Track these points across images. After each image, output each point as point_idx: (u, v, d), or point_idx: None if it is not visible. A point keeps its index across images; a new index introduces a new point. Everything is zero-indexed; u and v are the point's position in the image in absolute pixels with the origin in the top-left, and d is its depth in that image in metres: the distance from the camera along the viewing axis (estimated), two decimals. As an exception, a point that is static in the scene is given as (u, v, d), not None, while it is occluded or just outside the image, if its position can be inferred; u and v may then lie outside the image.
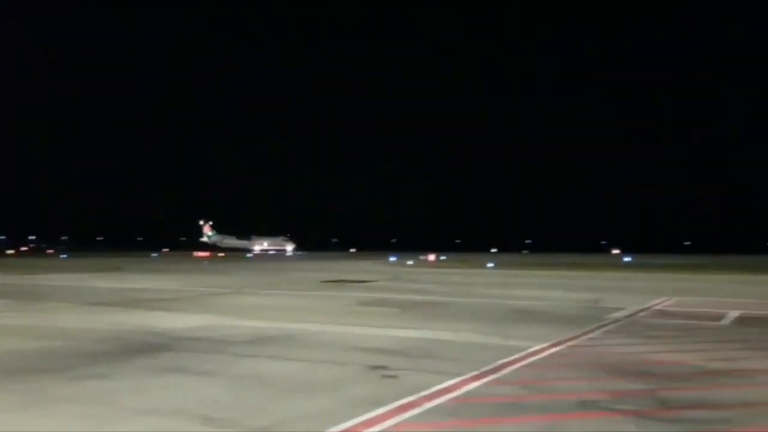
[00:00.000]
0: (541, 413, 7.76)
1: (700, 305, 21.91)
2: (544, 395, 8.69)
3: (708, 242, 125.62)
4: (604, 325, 16.34)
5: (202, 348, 12.63)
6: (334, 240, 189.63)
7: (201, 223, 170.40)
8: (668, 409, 8.02)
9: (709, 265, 61.50)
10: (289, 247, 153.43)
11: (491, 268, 54.85)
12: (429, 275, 44.52)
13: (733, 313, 19.11)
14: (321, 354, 11.97)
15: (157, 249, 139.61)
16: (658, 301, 23.28)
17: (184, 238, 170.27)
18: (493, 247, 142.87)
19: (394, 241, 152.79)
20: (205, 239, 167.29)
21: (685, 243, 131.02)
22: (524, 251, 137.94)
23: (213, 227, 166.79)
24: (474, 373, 10.06)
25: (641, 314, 19.11)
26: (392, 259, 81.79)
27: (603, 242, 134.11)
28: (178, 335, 14.32)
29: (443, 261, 77.17)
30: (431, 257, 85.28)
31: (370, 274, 44.00)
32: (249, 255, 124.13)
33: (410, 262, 67.93)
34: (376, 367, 10.52)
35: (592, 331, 15.30)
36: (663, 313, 19.34)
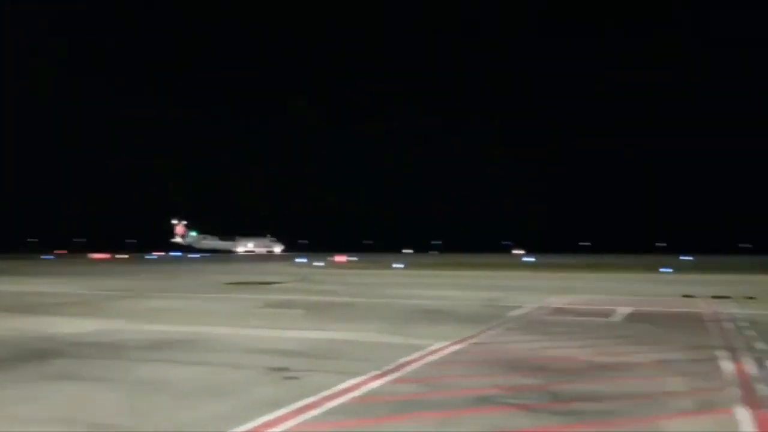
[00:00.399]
0: (438, 409, 7.95)
1: (593, 303, 23.02)
2: (442, 392, 8.91)
3: (606, 242, 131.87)
4: (504, 323, 16.90)
5: (99, 353, 12.15)
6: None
7: (174, 222, 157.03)
8: (559, 402, 8.41)
9: (605, 264, 64.60)
10: (277, 248, 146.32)
11: (400, 268, 55.46)
12: (337, 276, 44.56)
13: (625, 310, 20.19)
14: (222, 357, 11.77)
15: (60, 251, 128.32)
16: (555, 299, 24.28)
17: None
18: (407, 248, 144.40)
19: (305, 242, 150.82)
20: (178, 240, 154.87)
21: (582, 243, 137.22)
22: (432, 252, 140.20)
23: (188, 227, 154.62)
24: (375, 372, 10.18)
25: (539, 312, 19.88)
26: (300, 260, 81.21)
27: (505, 243, 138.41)
28: (73, 340, 13.71)
29: (353, 262, 77.41)
30: (341, 258, 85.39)
31: (277, 276, 43.57)
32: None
33: (319, 264, 67.73)
34: (277, 369, 10.46)
35: (492, 328, 15.79)
36: (559, 311, 20.21)
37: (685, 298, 25.01)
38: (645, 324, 16.84)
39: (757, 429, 7.18)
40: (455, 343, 13.30)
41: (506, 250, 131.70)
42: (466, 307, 21.00)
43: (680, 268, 54.90)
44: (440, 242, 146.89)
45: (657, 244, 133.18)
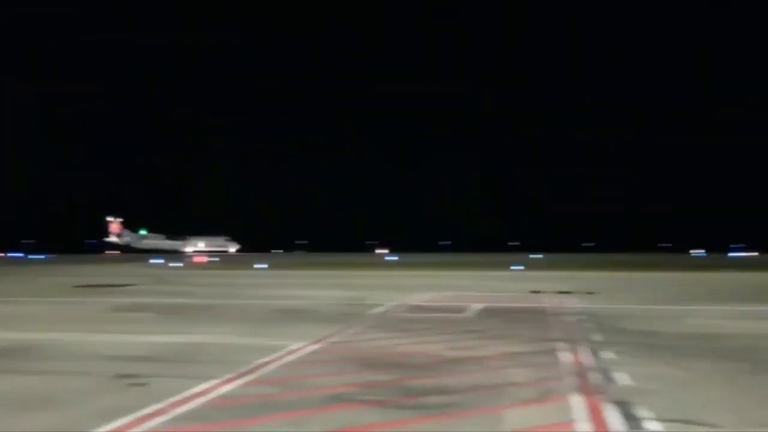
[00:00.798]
0: (290, 410, 7.89)
1: (449, 299, 23.87)
2: (296, 392, 8.85)
3: (464, 242, 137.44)
4: (363, 322, 17.10)
5: None
6: None
7: (109, 219, 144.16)
8: (410, 396, 8.62)
9: (463, 262, 67.31)
10: (232, 248, 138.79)
11: (263, 268, 54.65)
12: (196, 277, 43.18)
13: (477, 306, 21.10)
14: (65, 365, 11.02)
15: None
16: (414, 296, 24.93)
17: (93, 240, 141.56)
18: (277, 249, 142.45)
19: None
20: (113, 239, 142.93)
21: (442, 243, 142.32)
22: (298, 251, 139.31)
23: (124, 225, 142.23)
24: (229, 375, 9.93)
25: (398, 309, 20.32)
26: (156, 261, 77.75)
27: (370, 242, 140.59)
28: None
29: (213, 263, 75.30)
30: (200, 259, 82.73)
31: (130, 278, 41.48)
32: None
33: (177, 264, 65.24)
34: (124, 376, 9.93)
35: (352, 327, 15.93)
36: (417, 308, 20.77)
37: (533, 294, 26.57)
38: (495, 319, 17.68)
39: (587, 413, 7.72)
40: (313, 343, 13.27)
41: (371, 249, 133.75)
42: (327, 307, 21.05)
43: (530, 265, 58.32)
44: (306, 242, 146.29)
45: (510, 243, 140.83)
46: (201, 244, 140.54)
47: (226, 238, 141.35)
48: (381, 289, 29.31)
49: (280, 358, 11.55)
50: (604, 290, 28.64)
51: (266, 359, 11.33)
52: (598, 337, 14.20)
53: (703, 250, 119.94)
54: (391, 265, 64.49)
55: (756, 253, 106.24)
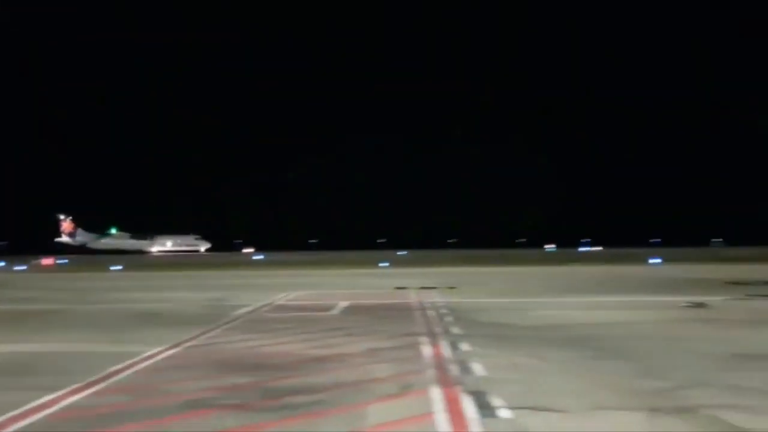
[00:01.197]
0: (146, 419, 7.51)
1: (316, 298, 23.81)
2: (151, 400, 8.44)
3: (332, 240, 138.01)
4: (226, 323, 16.66)
5: None
6: None
7: (61, 217, 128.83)
8: (271, 398, 8.47)
9: (331, 260, 67.39)
10: (203, 247, 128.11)
11: (118, 270, 51.84)
12: (43, 281, 40.19)
13: (343, 304, 21.20)
14: None
15: None
16: (280, 296, 24.63)
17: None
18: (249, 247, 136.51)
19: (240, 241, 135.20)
20: (65, 239, 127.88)
21: (311, 241, 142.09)
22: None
23: (76, 223, 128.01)
24: (77, 385, 9.29)
25: (263, 310, 20.01)
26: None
27: (237, 241, 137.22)
28: None
29: (63, 265, 70.47)
30: (48, 261, 77.18)
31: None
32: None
33: (21, 267, 60.42)
34: (-46, 392, 9.02)
35: (213, 329, 15.46)
36: (282, 308, 20.54)
37: (398, 290, 27.11)
38: (360, 316, 17.85)
39: (445, 405, 7.95)
40: (171, 347, 12.73)
41: (237, 248, 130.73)
42: (188, 309, 20.31)
43: (397, 262, 59.52)
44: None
45: (379, 240, 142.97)
46: (168, 243, 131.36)
47: (196, 236, 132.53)
48: (246, 290, 28.71)
49: (135, 364, 10.98)
50: (464, 285, 29.76)
51: (119, 366, 10.72)
52: (457, 330, 14.71)
53: (554, 245, 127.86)
54: (257, 264, 63.41)
55: (600, 248, 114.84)
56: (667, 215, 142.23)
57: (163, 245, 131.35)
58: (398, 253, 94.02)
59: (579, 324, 15.71)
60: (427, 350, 12.01)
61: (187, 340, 13.63)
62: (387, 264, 53.14)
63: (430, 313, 18.32)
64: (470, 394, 8.42)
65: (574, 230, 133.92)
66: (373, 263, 54.72)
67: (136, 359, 11.40)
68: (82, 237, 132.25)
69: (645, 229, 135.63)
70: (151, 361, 11.35)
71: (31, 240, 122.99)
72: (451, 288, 27.83)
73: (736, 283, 28.38)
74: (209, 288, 29.99)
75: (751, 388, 8.68)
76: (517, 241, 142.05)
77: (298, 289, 28.12)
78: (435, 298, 23.08)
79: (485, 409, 7.72)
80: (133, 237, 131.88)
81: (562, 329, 14.85)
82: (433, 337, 13.55)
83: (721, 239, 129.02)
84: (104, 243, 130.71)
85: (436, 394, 8.54)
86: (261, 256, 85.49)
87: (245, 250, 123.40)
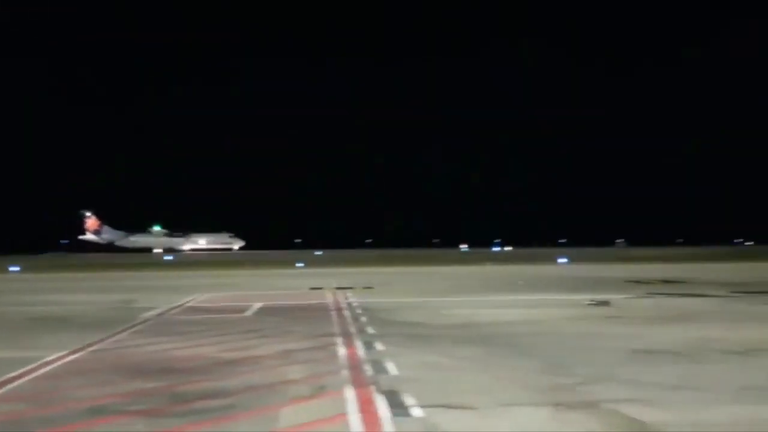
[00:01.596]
0: (46, 427, 7.14)
1: (229, 299, 23.37)
2: (51, 407, 8.04)
3: (254, 240, 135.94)
4: (134, 326, 16.10)
5: None
6: None
7: (88, 215, 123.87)
8: (180, 403, 8.24)
9: (247, 260, 66.31)
10: (236, 245, 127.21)
11: (15, 272, 49.11)
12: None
13: (257, 305, 20.88)
14: None
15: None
16: (191, 298, 24.01)
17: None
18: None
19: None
20: (90, 237, 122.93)
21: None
22: (59, 252, 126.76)
23: (102, 221, 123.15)
24: (-32, 394, 8.74)
25: (173, 312, 19.45)
26: None
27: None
28: None
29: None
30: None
31: None
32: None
33: None
34: None
35: (120, 333, 14.91)
36: (193, 310, 20.04)
37: (313, 291, 26.97)
38: (274, 317, 17.64)
39: (358, 405, 7.97)
40: (73, 352, 12.17)
41: (148, 249, 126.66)
42: (95, 312, 19.50)
43: (313, 262, 59.24)
44: (68, 241, 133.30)
45: (295, 240, 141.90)
46: (202, 241, 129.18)
47: (230, 234, 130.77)
48: (155, 291, 27.82)
49: (33, 370, 10.43)
50: (380, 285, 29.93)
51: (15, 373, 10.14)
52: (372, 330, 14.77)
53: (467, 246, 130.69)
54: (168, 265, 61.58)
55: (511, 248, 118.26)
56: (573, 217, 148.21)
57: (196, 243, 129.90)
58: (315, 253, 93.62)
59: (490, 322, 16.10)
60: (341, 351, 11.99)
61: (91, 344, 13.07)
62: (302, 264, 52.78)
63: (346, 313, 18.32)
64: (384, 394, 8.46)
65: (487, 231, 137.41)
66: (289, 263, 54.25)
67: (34, 365, 10.82)
68: (109, 234, 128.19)
69: (553, 230, 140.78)
70: (51, 366, 10.81)
71: (54, 238, 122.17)
72: (367, 288, 27.94)
73: (637, 282, 29.87)
74: (116, 290, 28.89)
75: (649, 382, 9.13)
76: (432, 241, 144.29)
77: (211, 291, 27.51)
78: (351, 298, 23.11)
79: (398, 409, 7.78)
80: (168, 235, 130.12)
81: (474, 328, 15.18)
82: (348, 338, 13.55)
83: (623, 240, 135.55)
84: (133, 241, 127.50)
85: (350, 394, 8.54)
86: (171, 257, 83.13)
87: (156, 250, 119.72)
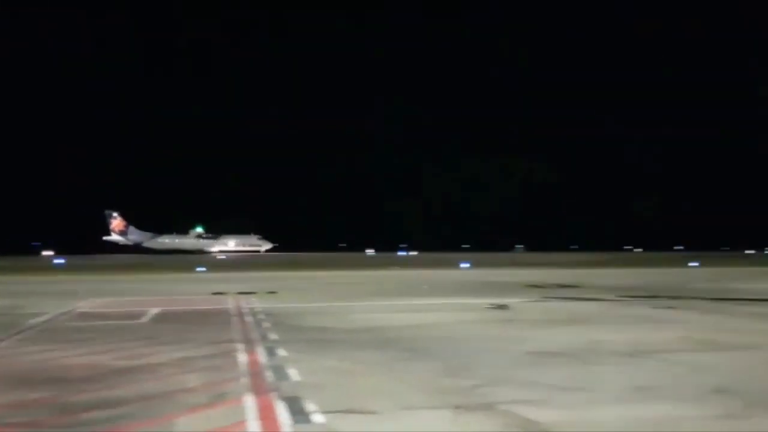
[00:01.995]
0: None
1: (124, 305, 22.43)
2: None
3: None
4: (19, 333, 15.15)
5: None
6: None
7: (114, 215, 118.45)
8: (66, 414, 7.82)
9: (142, 264, 63.87)
10: (264, 248, 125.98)
11: None
12: None
13: (155, 311, 20.14)
14: None
15: None
16: (83, 303, 22.86)
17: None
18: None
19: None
20: (116, 238, 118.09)
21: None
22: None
23: (127, 221, 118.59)
24: None
25: (63, 318, 18.47)
26: None
27: (35, 243, 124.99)
28: None
29: None
30: None
31: None
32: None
33: None
34: None
35: (3, 341, 13.99)
36: (85, 316, 19.09)
37: (215, 296, 26.31)
38: (172, 323, 17.08)
39: (258, 413, 7.82)
40: (-51, 361, 11.31)
41: (35, 251, 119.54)
42: (-26, 319, 18.18)
43: (215, 266, 57.89)
44: (40, 243, 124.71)
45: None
46: (231, 243, 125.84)
47: (258, 236, 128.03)
48: (44, 296, 26.28)
49: None
50: (285, 290, 29.57)
51: None
52: (274, 335, 14.56)
53: (373, 250, 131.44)
54: (58, 269, 58.44)
55: (417, 253, 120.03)
56: (475, 224, 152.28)
57: (225, 245, 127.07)
58: (218, 256, 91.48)
59: (393, 326, 16.24)
60: (242, 357, 11.75)
61: (-31, 354, 12.19)
62: (204, 269, 51.48)
63: (248, 319, 17.98)
64: (285, 401, 8.35)
65: (393, 236, 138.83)
66: (190, 268, 52.76)
67: None
68: (135, 236, 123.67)
69: (458, 235, 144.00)
70: None
71: (79, 238, 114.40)
72: (271, 293, 27.54)
73: (534, 286, 31.00)
74: (0, 294, 27.09)
75: (543, 384, 9.47)
76: (339, 245, 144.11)
77: (105, 296, 26.31)
78: (254, 303, 22.70)
79: (299, 415, 7.70)
80: (201, 237, 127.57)
81: (377, 332, 15.26)
82: (250, 344, 13.30)
83: (523, 246, 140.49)
84: (160, 242, 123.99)
85: (249, 402, 8.37)
86: (62, 260, 78.91)
87: (45, 253, 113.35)
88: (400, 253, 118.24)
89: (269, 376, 10.07)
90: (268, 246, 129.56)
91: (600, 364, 11.16)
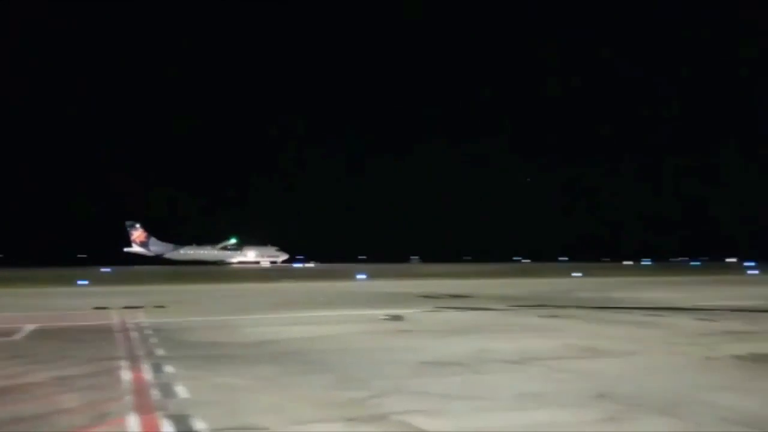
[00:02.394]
0: None
1: (-4, 322, 20.86)
2: None
3: (26, 255, 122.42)
4: None
5: None
6: None
7: (137, 226, 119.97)
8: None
9: (21, 278, 59.76)
10: (281, 258, 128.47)
11: None
12: None
13: (30, 327, 18.86)
14: None
15: None
16: (-51, 320, 21.07)
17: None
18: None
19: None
20: (137, 249, 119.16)
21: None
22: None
23: (149, 231, 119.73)
24: None
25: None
26: None
27: None
28: None
29: None
30: None
31: None
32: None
33: None
34: None
35: None
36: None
37: (98, 310, 24.97)
38: (50, 340, 16.04)
39: (142, 434, 7.45)
40: None
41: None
42: None
43: (99, 279, 55.01)
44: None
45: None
46: (251, 254, 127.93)
47: (276, 248, 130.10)
48: None
49: None
50: (174, 303, 28.51)
51: None
52: (161, 351, 13.98)
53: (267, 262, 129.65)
54: None
55: (313, 264, 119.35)
56: (372, 234, 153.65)
57: (245, 256, 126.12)
58: (101, 270, 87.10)
59: (287, 339, 15.99)
60: (126, 375, 11.18)
61: None
62: (87, 282, 48.79)
63: (134, 334, 17.18)
64: (171, 419, 8.01)
65: (291, 247, 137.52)
66: (71, 281, 49.89)
67: None
68: (157, 247, 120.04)
69: (354, 246, 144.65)
70: None
71: (100, 250, 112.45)
72: (159, 307, 26.46)
73: (428, 297, 31.54)
74: None
75: (435, 393, 9.59)
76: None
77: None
78: (140, 318, 21.72)
79: (186, 434, 7.39)
80: (227, 248, 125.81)
81: (270, 345, 14.96)
82: (135, 361, 12.69)
83: (418, 257, 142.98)
84: (183, 254, 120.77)
85: (133, 421, 7.98)
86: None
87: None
88: (296, 265, 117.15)
89: (155, 394, 9.63)
90: (284, 257, 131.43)
91: (490, 372, 11.44)
